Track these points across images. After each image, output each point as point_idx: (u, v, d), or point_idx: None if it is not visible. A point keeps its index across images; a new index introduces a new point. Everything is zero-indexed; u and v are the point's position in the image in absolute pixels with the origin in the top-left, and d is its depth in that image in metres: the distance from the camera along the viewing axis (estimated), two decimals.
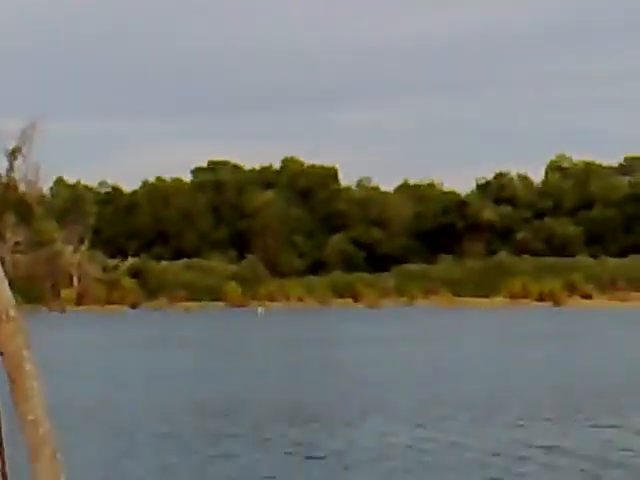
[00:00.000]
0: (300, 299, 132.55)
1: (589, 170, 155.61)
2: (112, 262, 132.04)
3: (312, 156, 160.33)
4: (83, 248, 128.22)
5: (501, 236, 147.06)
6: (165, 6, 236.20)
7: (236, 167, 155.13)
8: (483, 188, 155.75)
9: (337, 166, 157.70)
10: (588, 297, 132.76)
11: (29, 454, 3.95)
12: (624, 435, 30.40)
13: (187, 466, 25.72)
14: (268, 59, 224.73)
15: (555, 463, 25.58)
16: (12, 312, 4.02)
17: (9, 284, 4.07)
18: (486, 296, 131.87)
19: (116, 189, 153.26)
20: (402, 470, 24.58)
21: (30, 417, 3.88)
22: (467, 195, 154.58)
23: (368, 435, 30.51)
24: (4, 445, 4.12)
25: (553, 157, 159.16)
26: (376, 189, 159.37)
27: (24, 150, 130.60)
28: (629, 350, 62.58)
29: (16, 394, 3.99)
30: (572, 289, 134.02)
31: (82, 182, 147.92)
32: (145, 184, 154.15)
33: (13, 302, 4.06)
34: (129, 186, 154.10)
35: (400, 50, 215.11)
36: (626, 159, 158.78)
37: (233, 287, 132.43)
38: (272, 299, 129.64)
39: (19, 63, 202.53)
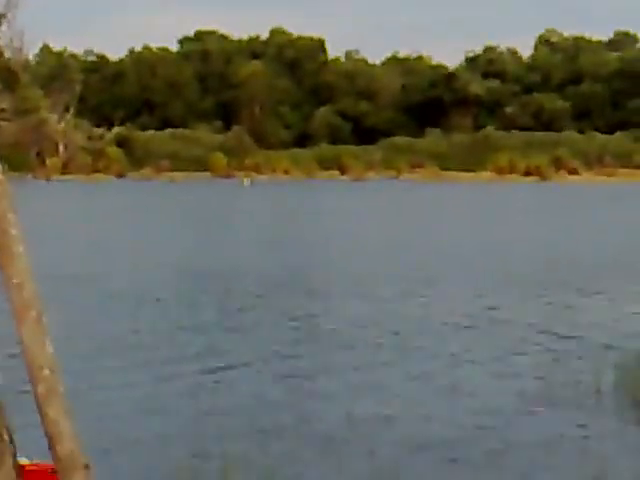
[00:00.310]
0: (286, 171, 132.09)
1: (578, 45, 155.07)
2: (98, 131, 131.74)
3: (300, 27, 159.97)
4: (69, 116, 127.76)
5: (489, 110, 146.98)
6: None
7: (223, 37, 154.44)
8: (471, 62, 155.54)
9: (325, 37, 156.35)
10: (575, 172, 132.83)
11: (15, 317, 3.99)
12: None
13: (166, 331, 25.78)
14: None
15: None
16: None
17: None
18: (472, 170, 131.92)
19: (102, 57, 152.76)
20: (390, 333, 24.62)
21: (15, 280, 3.91)
22: (455, 69, 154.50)
23: (353, 304, 30.54)
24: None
25: (542, 31, 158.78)
26: (364, 61, 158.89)
27: (9, 16, 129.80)
28: (613, 227, 62.77)
29: (2, 258, 4.01)
30: (559, 164, 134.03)
31: (68, 50, 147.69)
32: (132, 53, 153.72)
33: None
34: (115, 55, 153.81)
35: None
36: (616, 34, 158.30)
37: (219, 158, 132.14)
38: (258, 171, 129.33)
39: None
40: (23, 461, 11.38)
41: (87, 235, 53.18)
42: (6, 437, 4.17)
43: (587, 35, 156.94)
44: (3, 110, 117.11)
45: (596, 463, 14.61)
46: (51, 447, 3.88)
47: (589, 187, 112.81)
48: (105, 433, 14.75)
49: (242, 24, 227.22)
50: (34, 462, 11.66)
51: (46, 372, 3.73)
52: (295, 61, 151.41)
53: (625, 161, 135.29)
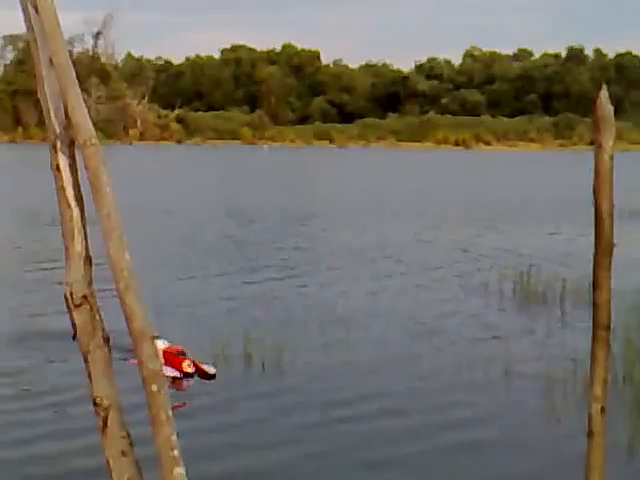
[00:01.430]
0: (292, 141, 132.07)
1: (492, 57, 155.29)
2: (164, 112, 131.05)
3: (303, 42, 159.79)
4: (144, 102, 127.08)
5: (430, 101, 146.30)
6: None
7: (250, 49, 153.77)
8: (419, 68, 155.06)
9: (320, 50, 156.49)
10: (489, 144, 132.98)
11: (104, 237, 3.98)
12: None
13: (224, 250, 25.70)
14: None
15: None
16: (93, 140, 4.00)
17: (93, 124, 4.06)
18: (419, 141, 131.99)
19: (168, 61, 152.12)
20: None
21: (105, 211, 3.90)
22: (408, 72, 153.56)
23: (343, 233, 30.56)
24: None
25: (468, 47, 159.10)
26: (345, 66, 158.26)
27: (104, 33, 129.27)
28: (513, 181, 62.65)
29: (95, 196, 4.00)
30: (478, 138, 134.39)
31: (144, 56, 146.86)
32: (188, 59, 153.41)
33: (94, 134, 4.05)
34: (177, 60, 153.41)
35: None
36: (519, 50, 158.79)
37: (246, 131, 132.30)
38: (273, 140, 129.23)
39: None
40: (161, 344, 11.35)
41: (155, 182, 53.05)
42: (97, 314, 4.11)
43: (498, 50, 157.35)
44: (100, 97, 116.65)
45: (499, 346, 14.43)
46: (128, 325, 3.85)
47: (498, 154, 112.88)
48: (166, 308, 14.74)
49: (263, 40, 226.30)
50: (168, 345, 11.67)
51: (125, 273, 3.71)
52: (299, 66, 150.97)
53: (522, 137, 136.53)
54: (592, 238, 3.94)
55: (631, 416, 9.94)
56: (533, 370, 12.10)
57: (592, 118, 3.89)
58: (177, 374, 11.17)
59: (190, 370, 11.26)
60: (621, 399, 10.33)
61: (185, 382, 11.25)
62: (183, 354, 11.55)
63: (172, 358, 11.27)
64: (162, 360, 11.19)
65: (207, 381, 11.36)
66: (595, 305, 3.93)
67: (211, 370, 11.41)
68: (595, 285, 3.94)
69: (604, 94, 3.79)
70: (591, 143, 4.00)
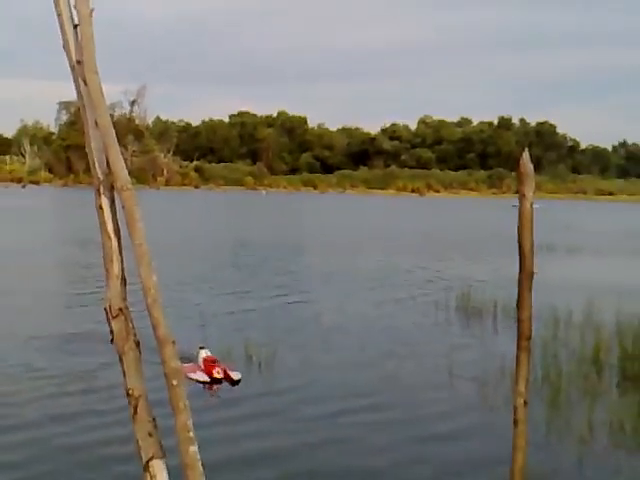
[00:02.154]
0: (284, 187, 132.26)
1: (440, 123, 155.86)
2: (184, 163, 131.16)
3: (294, 110, 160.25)
4: (169, 155, 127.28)
5: (392, 157, 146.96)
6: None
7: (252, 114, 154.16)
8: (384, 131, 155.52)
9: (307, 116, 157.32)
10: (437, 191, 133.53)
11: (137, 262, 3.96)
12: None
13: (234, 272, 25.57)
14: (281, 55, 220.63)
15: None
16: (129, 185, 3.99)
17: (128, 173, 4.05)
18: (383, 189, 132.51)
19: (188, 124, 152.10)
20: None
21: (137, 241, 3.88)
22: (375, 134, 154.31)
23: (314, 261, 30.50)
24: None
25: (422, 116, 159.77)
26: (327, 129, 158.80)
27: (139, 101, 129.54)
28: (455, 220, 62.58)
29: (130, 230, 3.98)
30: (429, 187, 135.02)
31: (169, 119, 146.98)
32: (204, 122, 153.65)
33: (129, 180, 4.04)
34: (195, 122, 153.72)
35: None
36: (461, 118, 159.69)
37: (249, 179, 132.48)
38: (270, 186, 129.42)
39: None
40: (204, 353, 11.24)
41: (177, 219, 52.97)
42: (130, 323, 4.09)
43: (445, 118, 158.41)
44: (134, 151, 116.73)
45: (445, 353, 14.33)
46: (154, 331, 3.83)
47: (445, 199, 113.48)
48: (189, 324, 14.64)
49: (263, 108, 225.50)
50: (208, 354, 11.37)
51: (152, 290, 3.69)
52: (290, 128, 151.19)
53: (464, 186, 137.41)
54: (517, 267, 3.96)
55: (547, 408, 9.96)
56: (471, 371, 12.07)
57: (517, 173, 3.92)
58: (207, 379, 10.82)
59: (219, 376, 10.85)
60: (539, 394, 10.33)
61: (215, 386, 10.86)
62: (215, 362, 11.19)
63: (207, 365, 10.99)
64: (201, 366, 11.04)
65: (232, 386, 10.92)
66: (519, 320, 3.95)
67: (236, 376, 10.96)
68: (519, 304, 3.95)
69: (526, 155, 3.85)
70: (517, 192, 4.03)
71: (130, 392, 4.00)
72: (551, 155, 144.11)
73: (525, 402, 3.87)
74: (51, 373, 11.46)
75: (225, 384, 10.84)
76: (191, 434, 3.78)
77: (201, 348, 11.42)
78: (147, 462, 3.93)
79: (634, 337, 12.52)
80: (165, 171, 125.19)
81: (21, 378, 11.15)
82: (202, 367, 10.95)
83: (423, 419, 9.88)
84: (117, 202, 4.09)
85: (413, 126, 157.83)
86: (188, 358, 11.08)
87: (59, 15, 4.06)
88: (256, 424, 9.32)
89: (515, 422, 3.86)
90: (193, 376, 10.58)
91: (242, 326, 15.19)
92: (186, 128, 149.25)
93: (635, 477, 7.30)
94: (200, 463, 3.78)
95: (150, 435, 3.98)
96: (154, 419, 4.01)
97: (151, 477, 3.91)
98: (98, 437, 8.64)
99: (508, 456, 3.97)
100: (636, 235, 47.50)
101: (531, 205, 3.87)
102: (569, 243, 37.55)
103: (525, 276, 3.91)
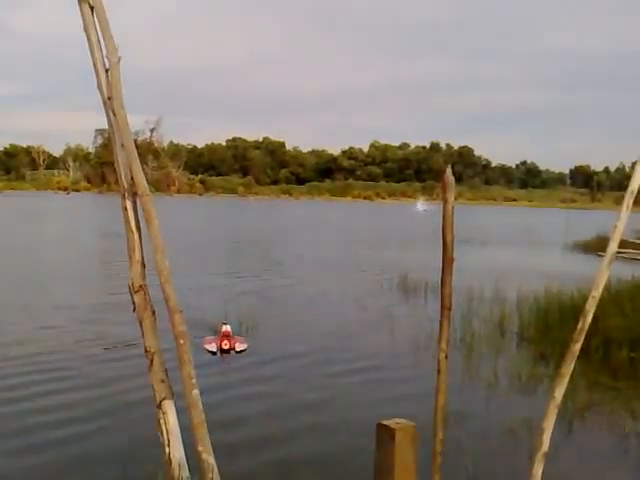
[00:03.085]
0: (268, 195, 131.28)
1: (386, 147, 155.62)
2: (191, 176, 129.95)
3: (275, 136, 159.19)
4: (180, 170, 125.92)
5: (350, 172, 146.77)
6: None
7: (244, 140, 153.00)
8: (344, 152, 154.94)
9: (285, 140, 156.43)
10: (384, 198, 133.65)
11: (152, 250, 3.93)
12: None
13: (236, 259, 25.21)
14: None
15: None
16: (147, 192, 3.96)
17: (147, 183, 4.03)
18: (343, 196, 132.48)
19: (194, 146, 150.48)
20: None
21: (154, 234, 3.87)
22: (337, 155, 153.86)
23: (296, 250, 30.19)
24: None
25: (372, 140, 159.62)
26: (300, 151, 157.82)
27: (157, 128, 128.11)
28: (398, 220, 62.41)
29: (148, 225, 3.96)
30: (378, 195, 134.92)
31: (180, 143, 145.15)
32: (206, 145, 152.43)
33: (148, 188, 4.01)
34: (199, 145, 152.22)
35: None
36: (402, 143, 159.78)
37: (241, 189, 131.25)
38: (257, 194, 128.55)
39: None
40: (224, 328, 10.64)
41: (184, 219, 52.50)
42: (148, 296, 4.06)
43: (390, 142, 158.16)
44: (153, 167, 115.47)
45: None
46: (166, 303, 3.81)
47: (389, 205, 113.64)
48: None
49: (252, 134, 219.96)
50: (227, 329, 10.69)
51: (165, 272, 3.69)
52: (273, 150, 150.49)
53: (404, 194, 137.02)
54: (440, 254, 4.00)
55: (463, 361, 10.03)
56: (408, 334, 12.14)
57: (442, 185, 3.97)
58: (214, 349, 10.24)
59: (226, 347, 10.25)
60: (457, 351, 10.42)
61: (224, 355, 10.24)
62: (228, 336, 10.55)
63: (221, 338, 10.50)
64: (216, 339, 10.28)
65: (237, 354, 10.32)
66: (442, 295, 3.99)
67: (239, 347, 10.37)
68: (442, 283, 3.99)
69: (449, 171, 3.91)
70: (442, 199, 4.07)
71: (147, 349, 3.99)
72: (469, 171, 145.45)
73: (446, 356, 3.91)
74: (90, 337, 11.33)
75: (232, 353, 10.33)
76: (194, 381, 3.77)
77: (224, 323, 11.02)
78: (160, 402, 3.92)
79: (529, 309, 12.68)
80: (177, 182, 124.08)
81: (68, 335, 11.03)
82: (217, 339, 10.57)
83: (368, 368, 9.91)
84: (138, 205, 4.07)
85: (366, 149, 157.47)
86: (213, 330, 10.96)
87: (94, 62, 4.03)
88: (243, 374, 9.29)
89: (438, 371, 3.90)
90: (207, 347, 10.31)
91: (234, 299, 15.14)
92: (193, 150, 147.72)
93: (530, 412, 7.41)
94: (200, 404, 3.78)
95: (162, 381, 3.97)
96: (165, 369, 4.01)
97: (163, 413, 3.90)
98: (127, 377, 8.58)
99: (432, 395, 3.99)
100: (531, 231, 47.99)
101: (452, 208, 3.92)
102: (481, 237, 37.83)
103: (447, 261, 3.95)
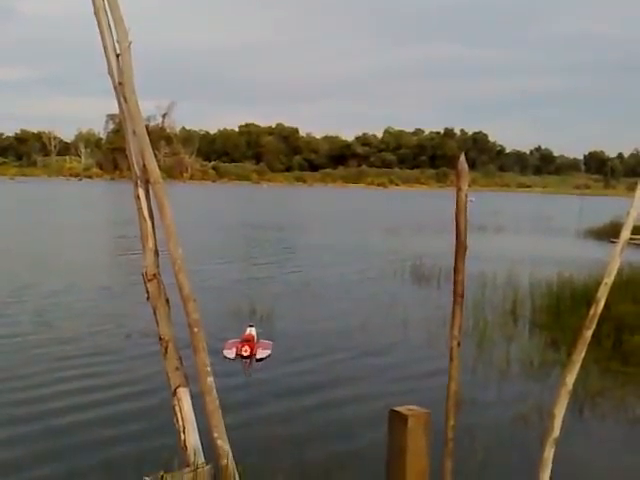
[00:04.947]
0: (281, 182, 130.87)
1: (400, 133, 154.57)
2: (204, 163, 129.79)
3: (289, 122, 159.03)
4: (193, 157, 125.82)
5: (364, 159, 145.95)
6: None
7: (257, 125, 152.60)
8: (357, 138, 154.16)
9: (299, 127, 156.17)
10: (398, 185, 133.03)
11: (165, 238, 3.94)
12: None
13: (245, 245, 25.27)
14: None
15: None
16: (160, 180, 3.97)
17: (160, 170, 4.03)
18: (356, 183, 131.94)
19: (207, 132, 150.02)
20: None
21: (166, 222, 3.86)
22: (351, 141, 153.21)
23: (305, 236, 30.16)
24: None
25: (386, 127, 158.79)
26: (314, 137, 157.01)
27: (169, 113, 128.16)
28: (412, 206, 62.11)
29: (160, 213, 3.96)
30: (391, 182, 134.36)
31: (192, 129, 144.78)
32: (219, 130, 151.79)
33: (160, 175, 4.02)
34: (212, 131, 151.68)
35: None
36: (416, 129, 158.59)
37: (254, 175, 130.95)
38: (269, 181, 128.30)
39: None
40: (249, 331, 9.62)
41: (198, 205, 52.50)
42: (162, 285, 4.03)
43: (404, 129, 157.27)
44: (165, 153, 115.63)
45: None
46: (179, 291, 3.81)
47: (403, 191, 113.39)
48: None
49: (265, 120, 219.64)
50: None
51: (179, 260, 3.70)
52: (287, 136, 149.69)
53: (418, 181, 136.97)
54: (454, 242, 3.98)
55: (475, 348, 10.02)
56: (421, 318, 12.14)
57: (456, 171, 3.94)
58: (232, 356, 9.22)
59: (245, 354, 9.22)
60: (470, 338, 10.41)
61: (245, 361, 9.26)
62: (250, 341, 9.52)
63: (242, 343, 9.43)
64: (236, 344, 9.38)
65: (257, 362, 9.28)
66: (455, 282, 3.97)
67: (260, 355, 9.32)
68: (455, 270, 3.98)
69: (462, 157, 3.88)
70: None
71: (162, 337, 4.01)
72: (483, 157, 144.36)
73: (459, 343, 3.90)
74: (109, 327, 11.39)
75: (252, 361, 9.21)
76: (208, 368, 3.79)
77: (250, 326, 9.98)
78: (175, 390, 3.95)
79: (541, 296, 12.64)
80: (189, 169, 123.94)
81: (87, 318, 11.13)
82: (237, 344, 9.48)
83: (383, 351, 9.94)
84: (151, 193, 4.07)
85: (379, 135, 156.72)
86: (236, 332, 10.02)
87: (105, 48, 4.01)
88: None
89: (450, 358, 3.90)
90: (224, 352, 9.29)
91: (249, 291, 15.17)
92: (205, 136, 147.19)
93: (540, 397, 7.41)
94: (215, 391, 3.80)
95: (177, 369, 3.99)
96: (180, 357, 4.03)
97: (178, 401, 3.93)
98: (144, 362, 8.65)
99: (445, 382, 4.00)
100: (545, 218, 47.67)
101: (465, 195, 3.90)
102: (495, 225, 37.64)
103: (460, 248, 3.93)
